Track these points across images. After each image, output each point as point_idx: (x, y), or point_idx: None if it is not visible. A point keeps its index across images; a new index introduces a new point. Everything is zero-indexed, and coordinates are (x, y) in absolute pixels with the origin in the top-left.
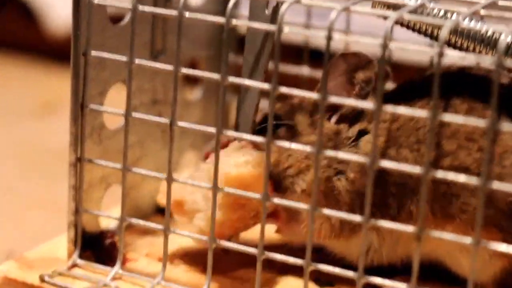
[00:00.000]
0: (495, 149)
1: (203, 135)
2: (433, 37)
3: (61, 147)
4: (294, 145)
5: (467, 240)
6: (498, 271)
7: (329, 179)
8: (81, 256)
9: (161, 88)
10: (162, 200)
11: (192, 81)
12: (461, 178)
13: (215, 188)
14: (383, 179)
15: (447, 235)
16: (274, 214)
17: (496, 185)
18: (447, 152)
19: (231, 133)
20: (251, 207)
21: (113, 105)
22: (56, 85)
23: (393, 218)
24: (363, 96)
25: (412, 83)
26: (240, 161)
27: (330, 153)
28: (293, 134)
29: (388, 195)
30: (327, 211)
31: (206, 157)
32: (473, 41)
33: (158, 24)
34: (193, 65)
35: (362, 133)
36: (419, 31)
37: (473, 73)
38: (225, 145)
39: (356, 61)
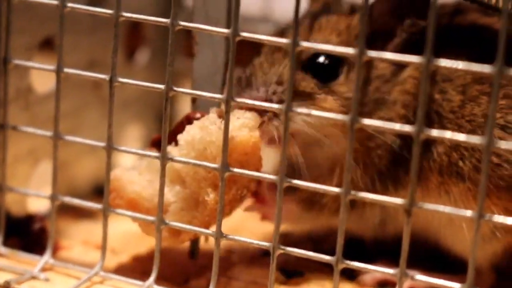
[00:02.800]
0: None
1: (148, 107)
2: None
3: None
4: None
5: (467, 213)
6: (499, 250)
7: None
8: (5, 244)
9: (99, 48)
10: (114, 200)
11: (135, 46)
12: (460, 136)
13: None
14: None
15: (444, 208)
16: (258, 199)
17: (503, 144)
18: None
19: (180, 90)
20: (243, 184)
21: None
22: None
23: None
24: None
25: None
26: (236, 125)
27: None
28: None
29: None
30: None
31: (154, 142)
32: None
33: None
34: (136, 29)
35: None
36: None
37: None
38: (179, 128)
39: None
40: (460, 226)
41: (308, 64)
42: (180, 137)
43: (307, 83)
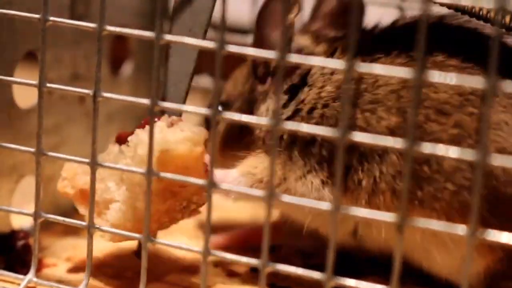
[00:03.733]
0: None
1: (132, 119)
2: None
3: None
4: (245, 117)
5: (461, 230)
6: (482, 270)
7: None
8: None
9: (82, 61)
10: (65, 188)
11: (119, 59)
12: (453, 152)
13: (149, 173)
14: None
15: (436, 225)
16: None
17: (497, 160)
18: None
19: (167, 104)
20: (183, 196)
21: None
22: None
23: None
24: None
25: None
26: (178, 137)
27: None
28: None
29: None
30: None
31: (120, 139)
32: None
33: None
34: (120, 42)
35: None
36: None
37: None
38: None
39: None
40: (432, 248)
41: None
42: (130, 138)
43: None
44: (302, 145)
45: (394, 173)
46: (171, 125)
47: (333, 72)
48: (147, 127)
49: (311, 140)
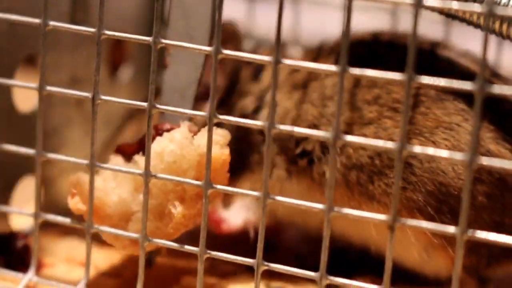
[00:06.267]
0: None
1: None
2: None
3: None
4: (244, 121)
5: (451, 229)
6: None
7: None
8: None
9: (81, 65)
10: (77, 204)
11: (118, 62)
12: (443, 153)
13: (146, 174)
14: None
15: (427, 224)
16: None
17: (486, 161)
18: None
19: (164, 107)
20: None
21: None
22: None
23: None
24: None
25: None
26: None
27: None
28: None
29: None
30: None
31: (121, 150)
32: None
33: None
34: (119, 47)
35: None
36: None
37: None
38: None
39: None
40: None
41: None
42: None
43: None
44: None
45: (350, 166)
46: (194, 131)
47: None
48: (165, 134)
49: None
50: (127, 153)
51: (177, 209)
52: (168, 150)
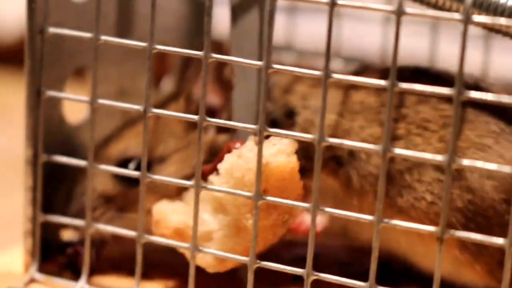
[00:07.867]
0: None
1: None
2: None
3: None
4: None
5: (499, 240)
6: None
7: None
8: (40, 270)
9: (128, 78)
10: (161, 230)
11: (160, 74)
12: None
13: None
14: None
15: (476, 236)
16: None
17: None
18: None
19: (215, 120)
20: (284, 209)
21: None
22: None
23: None
24: None
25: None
26: (272, 151)
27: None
28: None
29: None
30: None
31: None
32: None
33: (125, 6)
34: (161, 59)
35: None
36: None
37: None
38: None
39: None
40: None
41: None
42: (220, 166)
43: None
44: None
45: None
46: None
47: None
48: (234, 151)
49: None
50: (204, 174)
51: (249, 222)
52: (235, 166)
